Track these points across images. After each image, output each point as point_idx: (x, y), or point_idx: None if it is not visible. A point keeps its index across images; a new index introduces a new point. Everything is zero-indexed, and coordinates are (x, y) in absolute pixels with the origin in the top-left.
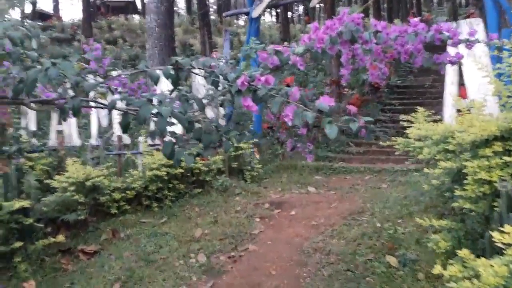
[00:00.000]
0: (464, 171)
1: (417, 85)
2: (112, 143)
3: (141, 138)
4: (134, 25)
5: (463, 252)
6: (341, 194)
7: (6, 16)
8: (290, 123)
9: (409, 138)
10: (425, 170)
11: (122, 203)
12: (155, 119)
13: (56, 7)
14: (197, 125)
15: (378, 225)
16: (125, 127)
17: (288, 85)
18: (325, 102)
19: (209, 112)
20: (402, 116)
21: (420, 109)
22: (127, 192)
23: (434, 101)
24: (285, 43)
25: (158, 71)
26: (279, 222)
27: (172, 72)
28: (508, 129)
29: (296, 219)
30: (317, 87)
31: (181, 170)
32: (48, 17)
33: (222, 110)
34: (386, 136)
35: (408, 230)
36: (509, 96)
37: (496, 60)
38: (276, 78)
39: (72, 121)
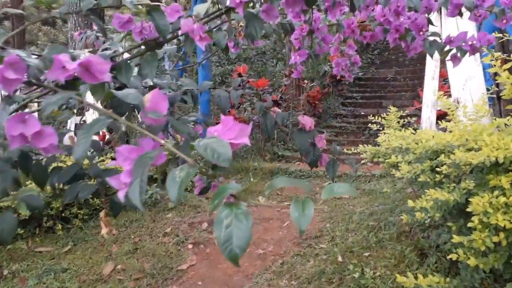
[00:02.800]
0: (469, 209)
1: (379, 77)
2: None
3: None
4: None
5: None
6: None
7: None
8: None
9: (380, 145)
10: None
11: None
12: None
13: None
14: None
15: (340, 259)
16: None
17: (240, 75)
18: None
19: None
20: (370, 117)
21: (393, 109)
22: (19, 211)
23: (396, 95)
24: None
25: None
26: (217, 250)
27: None
28: None
29: None
30: (275, 77)
31: None
32: None
33: None
34: (345, 134)
35: (379, 273)
36: None
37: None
38: (149, 64)
39: None
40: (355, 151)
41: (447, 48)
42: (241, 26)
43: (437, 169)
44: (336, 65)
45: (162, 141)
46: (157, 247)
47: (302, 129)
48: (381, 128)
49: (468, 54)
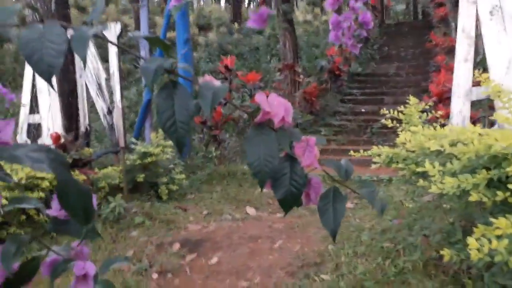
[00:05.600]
0: None
1: (380, 73)
2: None
3: None
4: None
5: None
6: (291, 220)
7: None
8: None
9: (397, 146)
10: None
11: None
12: None
13: None
14: None
15: None
16: None
17: (227, 68)
18: None
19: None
20: (384, 111)
21: (412, 99)
22: None
23: (399, 91)
24: (235, 24)
25: None
26: (188, 283)
27: None
28: None
29: (218, 274)
30: (269, 74)
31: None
32: None
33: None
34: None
35: None
36: None
37: None
38: None
39: None
40: (364, 153)
41: None
42: None
43: (507, 184)
44: (335, 26)
45: None
46: (112, 277)
47: (262, 124)
48: (394, 125)
49: None
